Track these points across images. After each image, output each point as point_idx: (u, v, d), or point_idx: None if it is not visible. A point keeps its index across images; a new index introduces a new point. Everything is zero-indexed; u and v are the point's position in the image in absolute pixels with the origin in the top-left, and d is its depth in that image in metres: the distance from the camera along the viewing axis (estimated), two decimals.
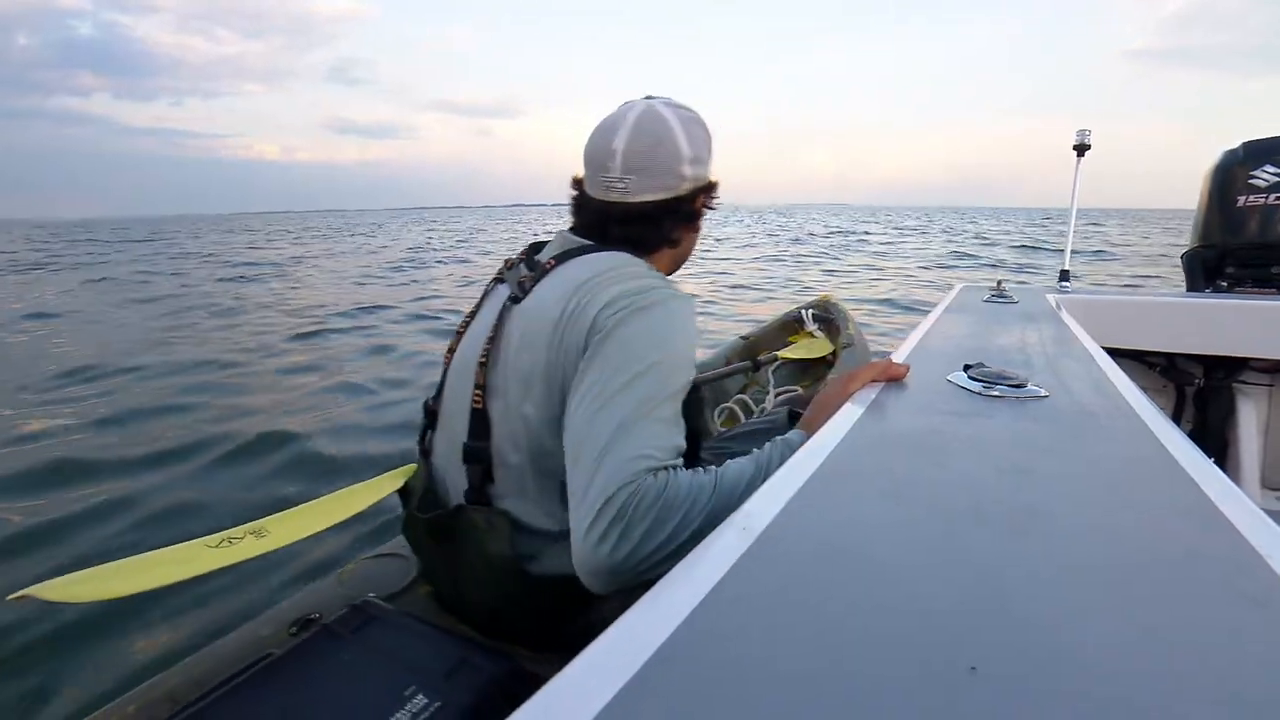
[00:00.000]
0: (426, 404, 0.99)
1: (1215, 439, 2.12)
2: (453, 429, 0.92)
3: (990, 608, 0.37)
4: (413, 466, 1.06)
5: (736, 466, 0.78)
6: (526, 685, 0.79)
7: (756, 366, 2.46)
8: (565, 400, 0.80)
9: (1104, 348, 1.24)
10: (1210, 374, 2.14)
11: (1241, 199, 2.25)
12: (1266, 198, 2.19)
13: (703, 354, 3.08)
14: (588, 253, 0.89)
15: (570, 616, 0.87)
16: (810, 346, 2.74)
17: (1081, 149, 2.47)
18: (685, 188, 0.92)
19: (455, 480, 0.91)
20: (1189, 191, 2.52)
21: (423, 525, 0.93)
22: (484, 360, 0.87)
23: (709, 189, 0.97)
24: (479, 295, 1.00)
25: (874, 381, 0.89)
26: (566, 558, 0.78)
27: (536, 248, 0.98)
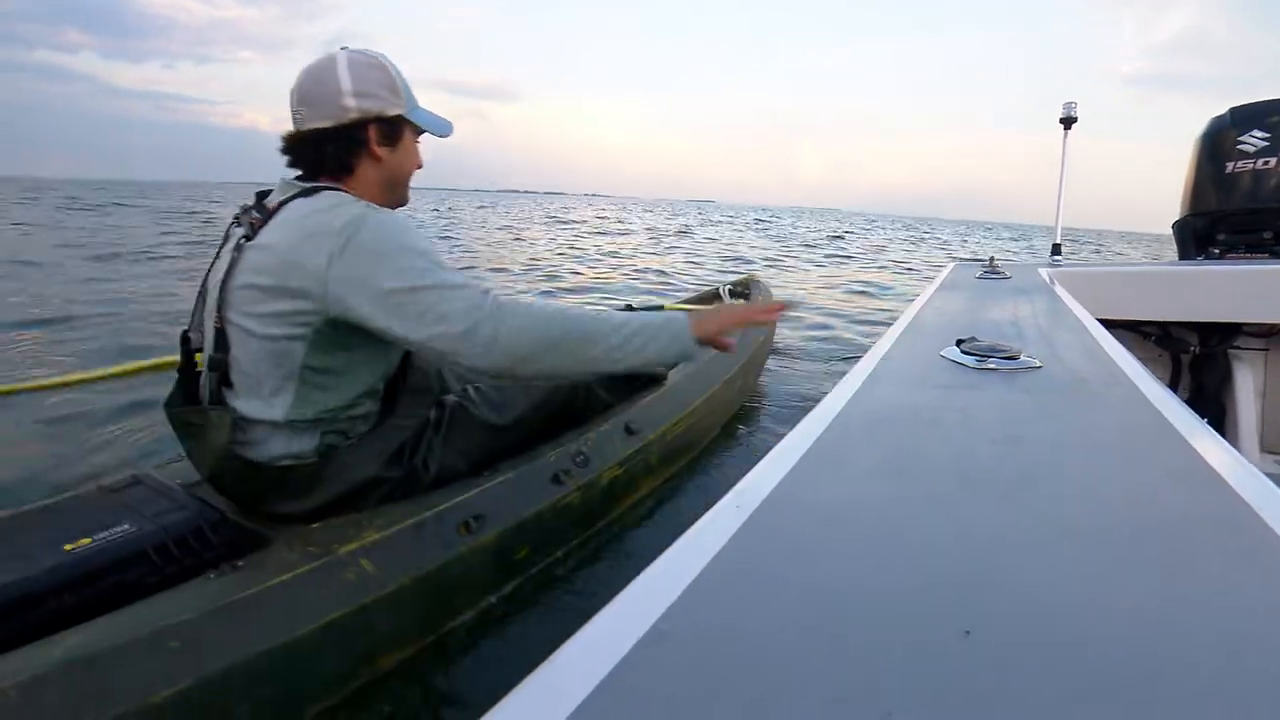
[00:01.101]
0: (184, 333, 1.17)
1: (1212, 405, 2.12)
2: (206, 346, 1.10)
3: (985, 577, 0.37)
4: (169, 359, 1.26)
5: (594, 311, 1.10)
6: (224, 532, 1.04)
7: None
8: (295, 318, 1.01)
9: (1099, 319, 1.24)
10: (1205, 341, 2.14)
11: (1231, 165, 2.24)
12: (1255, 162, 2.18)
13: None
14: (303, 195, 1.05)
15: (295, 491, 1.10)
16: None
17: (1068, 121, 2.47)
18: (350, 117, 1.07)
19: (205, 386, 1.11)
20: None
21: (170, 419, 1.14)
22: (223, 290, 1.05)
23: (383, 121, 1.10)
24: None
25: (754, 319, 1.22)
26: (287, 444, 1.08)
27: (264, 194, 1.13)
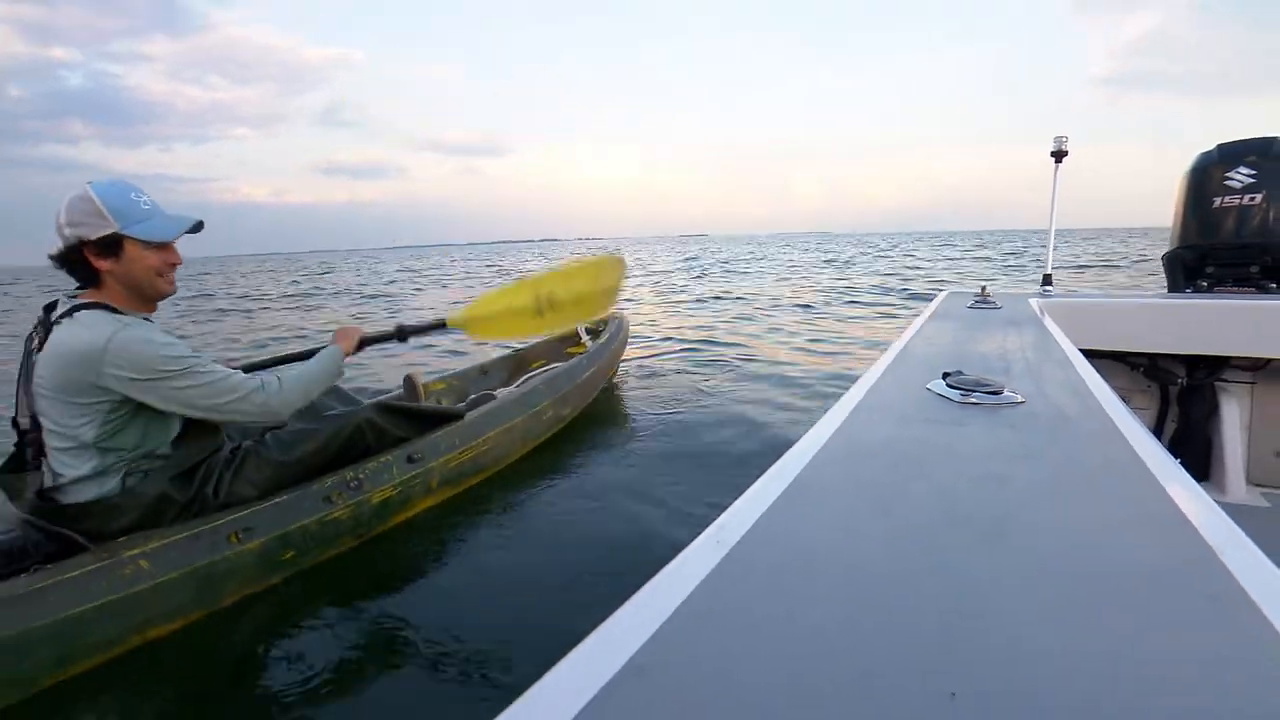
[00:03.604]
0: (13, 418, 1.52)
1: (1199, 437, 2.14)
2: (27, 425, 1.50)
3: (962, 621, 0.38)
4: None
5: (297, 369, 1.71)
6: (44, 547, 1.44)
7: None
8: (79, 409, 1.39)
9: (1087, 350, 1.26)
10: (1192, 373, 2.16)
11: (1218, 200, 2.28)
12: (1241, 198, 2.23)
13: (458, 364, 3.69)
14: (76, 311, 1.39)
15: (102, 519, 1.46)
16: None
17: (1059, 155, 2.51)
18: (68, 243, 1.40)
19: (28, 454, 1.51)
20: (1159, 210, 2.56)
21: None
22: (28, 385, 1.44)
23: (92, 243, 1.40)
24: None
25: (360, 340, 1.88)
26: (97, 489, 1.46)
27: (51, 307, 1.47)
